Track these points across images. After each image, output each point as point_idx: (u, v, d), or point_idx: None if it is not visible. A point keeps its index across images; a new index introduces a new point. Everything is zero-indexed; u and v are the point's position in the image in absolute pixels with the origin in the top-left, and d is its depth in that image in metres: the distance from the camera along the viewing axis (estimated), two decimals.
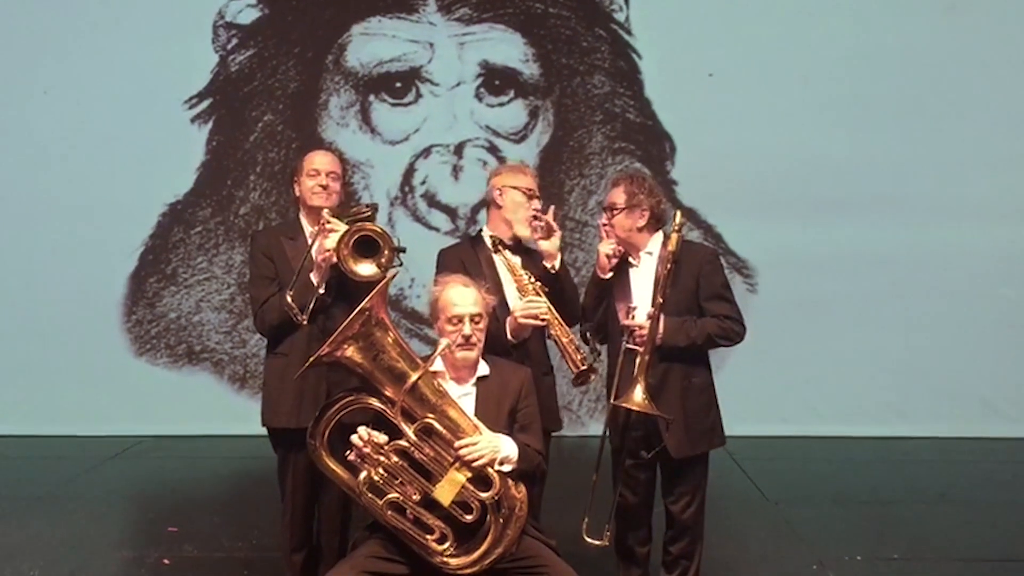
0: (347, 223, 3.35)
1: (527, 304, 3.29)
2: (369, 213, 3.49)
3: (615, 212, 3.35)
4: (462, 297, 3.04)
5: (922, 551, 4.32)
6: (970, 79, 6.39)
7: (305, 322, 3.35)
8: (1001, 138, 6.39)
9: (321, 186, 3.48)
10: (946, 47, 6.38)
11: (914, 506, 5.03)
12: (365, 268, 3.29)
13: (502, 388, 3.08)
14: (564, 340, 3.28)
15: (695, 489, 3.44)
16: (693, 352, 3.36)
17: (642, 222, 3.37)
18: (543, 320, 3.27)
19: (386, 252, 3.28)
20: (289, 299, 3.34)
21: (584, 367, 3.27)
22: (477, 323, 3.02)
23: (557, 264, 3.39)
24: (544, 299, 3.29)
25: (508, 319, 3.33)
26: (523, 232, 3.44)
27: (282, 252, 3.50)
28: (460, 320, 3.00)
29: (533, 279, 3.34)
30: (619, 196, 3.36)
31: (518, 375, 3.12)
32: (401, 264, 3.33)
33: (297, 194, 3.59)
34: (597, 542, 3.31)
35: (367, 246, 3.29)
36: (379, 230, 3.30)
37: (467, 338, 2.99)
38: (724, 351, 6.17)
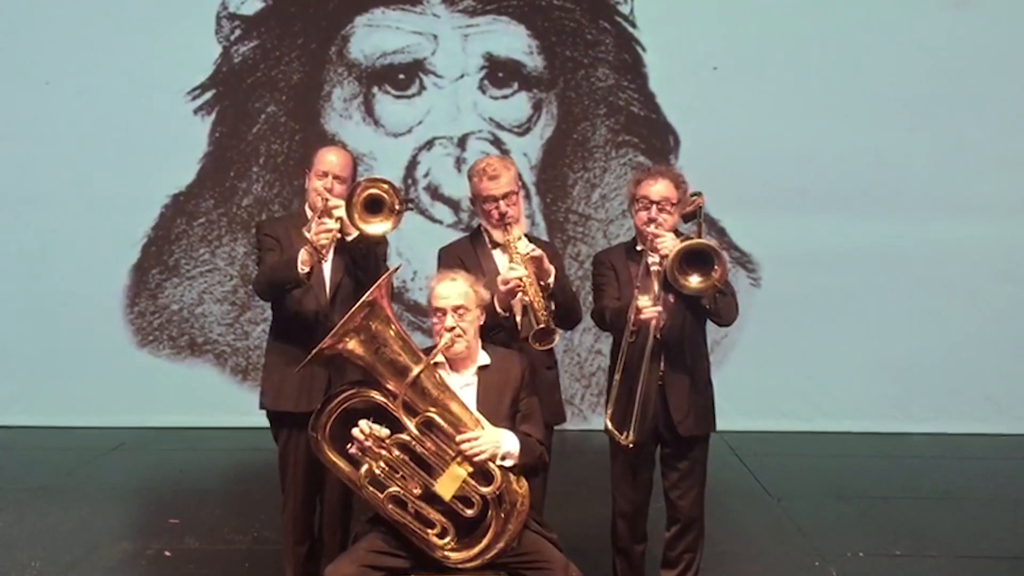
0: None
1: (508, 270, 3.26)
2: None
3: (672, 205, 3.36)
4: (446, 290, 3.05)
5: (925, 548, 4.32)
6: (975, 75, 6.35)
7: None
8: (1007, 134, 6.36)
9: (327, 189, 3.47)
10: (952, 42, 6.35)
11: (917, 503, 5.02)
12: (376, 228, 3.27)
13: (503, 377, 3.08)
14: (535, 301, 3.21)
15: (700, 478, 3.48)
16: (696, 338, 3.44)
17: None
18: (520, 287, 3.22)
19: (396, 207, 3.26)
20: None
21: (544, 325, 3.19)
22: (462, 315, 3.02)
23: (552, 280, 3.33)
24: (522, 268, 3.23)
25: (495, 292, 3.29)
26: (498, 238, 3.41)
27: (288, 237, 3.50)
28: (443, 312, 3.02)
29: (525, 246, 3.28)
30: (671, 190, 3.38)
31: (518, 364, 3.13)
32: (412, 201, 3.34)
33: (306, 187, 3.58)
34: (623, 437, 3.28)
35: (377, 205, 3.26)
36: (383, 187, 3.27)
37: (450, 330, 2.99)
38: (727, 345, 6.21)
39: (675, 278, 3.18)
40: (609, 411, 3.31)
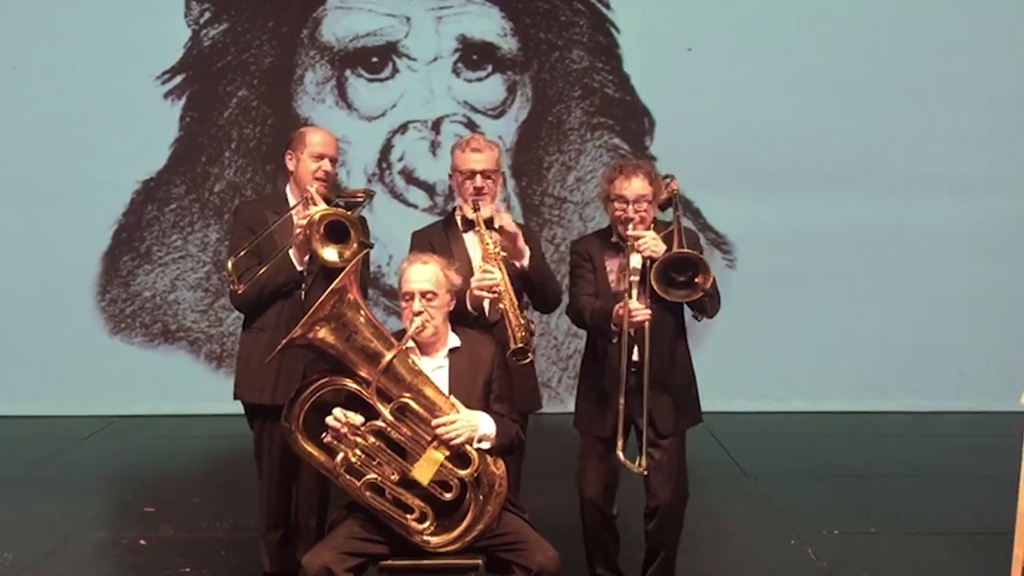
0: (336, 206, 3.32)
1: (481, 275, 3.21)
2: (361, 199, 3.46)
3: (648, 202, 3.31)
4: (416, 274, 3.03)
5: (900, 525, 4.36)
6: (948, 54, 6.38)
7: (240, 291, 3.30)
8: (977, 113, 6.40)
9: (325, 171, 3.44)
10: (924, 22, 6.37)
11: (892, 480, 5.07)
12: (329, 253, 3.24)
13: (474, 359, 3.07)
14: (510, 313, 3.14)
15: (679, 466, 3.44)
16: (676, 328, 3.40)
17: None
18: (495, 292, 3.18)
19: (354, 244, 3.23)
20: (230, 265, 3.29)
21: (521, 345, 3.10)
22: (430, 300, 3.00)
23: (527, 262, 3.32)
24: (498, 271, 3.18)
25: (468, 291, 3.26)
26: (468, 213, 3.36)
27: (265, 222, 3.44)
28: (411, 297, 3.00)
29: (498, 249, 3.22)
30: (646, 187, 3.31)
31: (489, 345, 3.12)
32: (372, 246, 3.30)
33: (291, 168, 3.50)
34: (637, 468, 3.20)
35: (339, 231, 3.24)
36: (352, 218, 3.25)
37: (417, 314, 2.97)
38: (703, 326, 6.20)
39: (663, 290, 3.15)
40: (620, 443, 3.16)
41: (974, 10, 6.39)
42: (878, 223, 6.44)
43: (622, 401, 3.20)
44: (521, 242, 3.29)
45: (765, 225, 6.42)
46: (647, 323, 3.18)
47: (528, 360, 3.15)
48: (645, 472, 3.22)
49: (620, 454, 3.16)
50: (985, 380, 6.46)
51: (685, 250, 3.18)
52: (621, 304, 3.20)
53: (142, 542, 4.19)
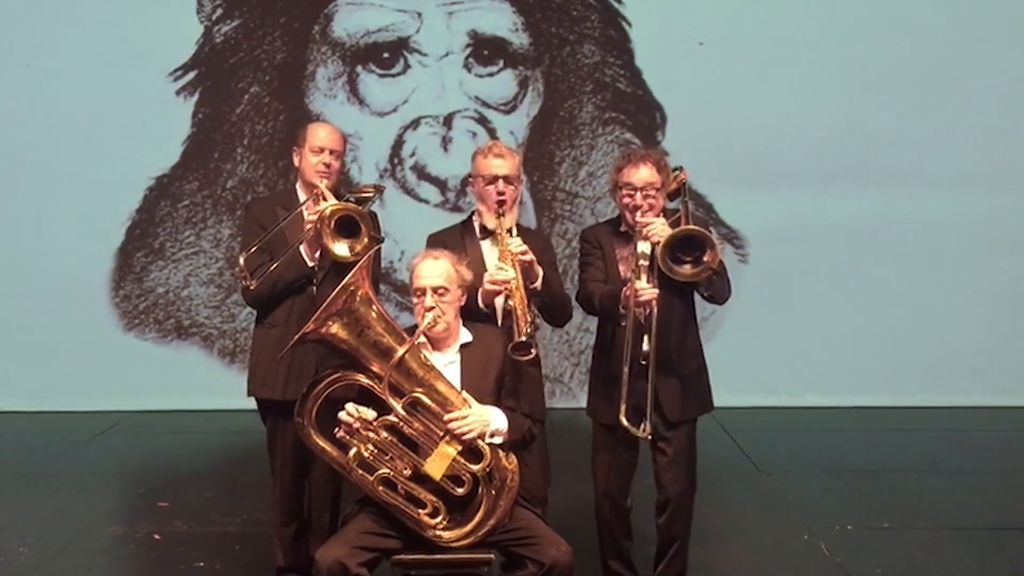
0: (346, 201, 3.33)
1: (496, 271, 3.22)
2: (371, 194, 3.47)
3: (657, 189, 3.32)
4: (427, 269, 3.03)
5: (913, 520, 4.35)
6: (962, 49, 6.34)
7: (252, 287, 3.33)
8: (991, 108, 6.35)
9: (325, 164, 3.45)
10: (938, 16, 6.33)
11: (905, 475, 5.05)
12: (340, 248, 3.26)
13: (486, 353, 3.08)
14: (519, 310, 3.15)
15: (691, 460, 3.45)
16: (685, 315, 3.39)
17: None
18: (507, 289, 3.18)
19: (364, 239, 3.24)
20: (242, 261, 3.31)
21: (524, 339, 3.11)
22: (441, 295, 3.00)
23: (539, 284, 3.33)
24: (513, 270, 3.19)
25: (480, 288, 3.25)
26: (490, 224, 3.38)
27: (276, 219, 3.46)
28: (423, 292, 3.00)
29: (517, 246, 3.23)
30: (654, 175, 3.32)
31: (500, 340, 3.12)
32: (382, 240, 3.31)
33: (296, 164, 3.55)
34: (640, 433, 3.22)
35: (349, 226, 3.25)
36: (362, 213, 3.26)
37: (429, 310, 2.97)
38: (715, 321, 6.21)
39: (669, 268, 3.15)
40: (623, 407, 3.19)
41: (989, 5, 6.34)
42: (891, 218, 6.41)
43: (626, 370, 3.20)
44: (536, 266, 3.29)
45: (777, 220, 6.39)
46: (656, 310, 3.18)
47: (531, 356, 3.14)
48: (649, 436, 3.23)
49: (623, 419, 3.18)
50: (999, 375, 6.44)
51: (690, 226, 3.19)
52: (629, 286, 3.21)
53: (156, 537, 4.21)
